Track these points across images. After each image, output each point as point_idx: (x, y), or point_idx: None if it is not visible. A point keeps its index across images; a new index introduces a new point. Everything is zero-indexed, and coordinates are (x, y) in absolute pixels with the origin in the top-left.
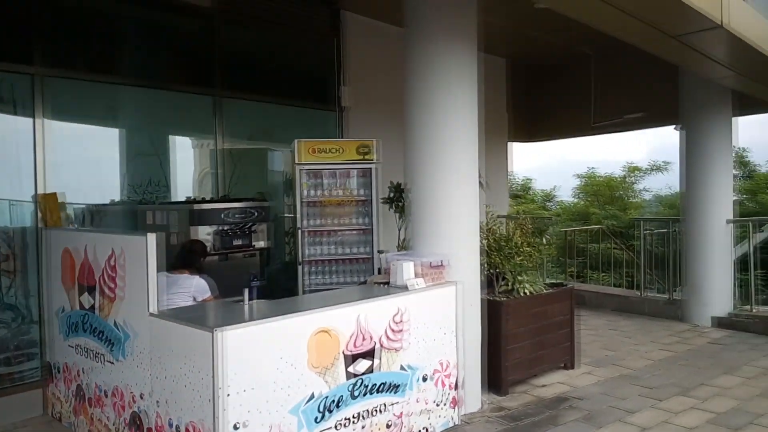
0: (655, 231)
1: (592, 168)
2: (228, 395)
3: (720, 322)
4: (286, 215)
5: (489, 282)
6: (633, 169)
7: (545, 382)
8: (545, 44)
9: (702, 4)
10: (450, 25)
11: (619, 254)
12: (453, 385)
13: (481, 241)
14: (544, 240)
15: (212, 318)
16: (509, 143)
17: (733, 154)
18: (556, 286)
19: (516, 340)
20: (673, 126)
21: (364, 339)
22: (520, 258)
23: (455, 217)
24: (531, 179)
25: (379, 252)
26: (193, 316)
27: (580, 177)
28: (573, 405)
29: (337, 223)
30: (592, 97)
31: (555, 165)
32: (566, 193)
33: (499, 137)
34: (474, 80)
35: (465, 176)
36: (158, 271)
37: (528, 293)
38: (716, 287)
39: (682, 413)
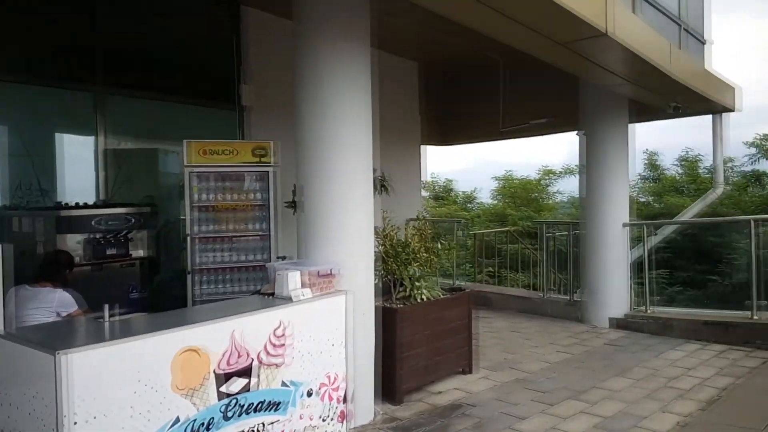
0: (557, 234)
1: (510, 171)
2: (75, 423)
3: (617, 323)
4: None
5: (387, 289)
6: (547, 172)
7: (442, 389)
8: (455, 49)
9: (585, 12)
10: (341, 23)
11: (533, 255)
12: (342, 399)
13: (377, 248)
14: (439, 245)
15: (63, 338)
16: (423, 146)
17: (645, 158)
18: (455, 290)
19: (412, 347)
20: (575, 132)
21: (239, 356)
22: (417, 264)
23: (348, 223)
24: (452, 181)
25: (279, 258)
26: (43, 335)
27: (498, 179)
28: (466, 412)
29: (233, 229)
30: (500, 102)
31: (481, 167)
32: (487, 194)
33: (412, 140)
34: (367, 81)
35: (359, 180)
36: (15, 284)
37: (425, 299)
38: (613, 289)
39: (570, 418)
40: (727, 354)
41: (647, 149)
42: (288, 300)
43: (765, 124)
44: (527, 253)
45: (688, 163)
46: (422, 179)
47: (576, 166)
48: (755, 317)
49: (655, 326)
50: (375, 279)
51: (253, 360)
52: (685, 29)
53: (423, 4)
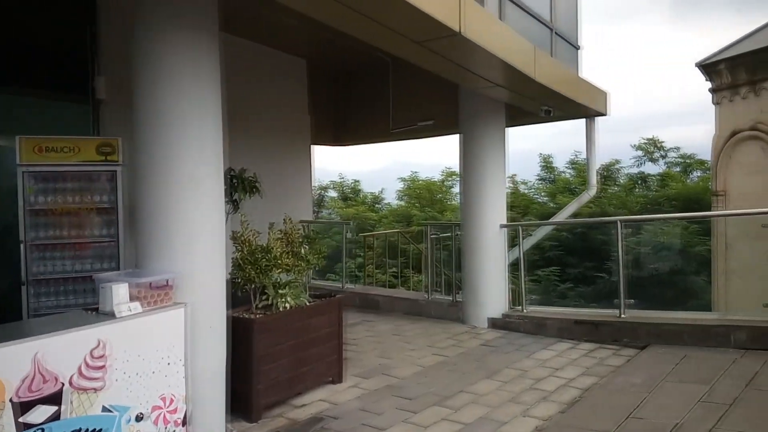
0: (442, 235)
1: (416, 172)
2: None
3: (494, 323)
4: None
5: (249, 298)
6: (450, 174)
7: (307, 401)
8: (344, 48)
9: (433, 10)
10: (182, 11)
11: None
12: (180, 421)
13: (234, 254)
14: (303, 251)
15: None
16: (313, 146)
17: (541, 161)
18: (325, 297)
19: (272, 359)
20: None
21: (45, 381)
22: (280, 270)
23: (193, 229)
24: (360, 181)
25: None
26: None
27: (403, 180)
28: (326, 426)
29: (75, 235)
30: (390, 103)
31: (394, 167)
32: (393, 195)
33: (301, 139)
34: (215, 76)
35: (205, 182)
36: None
37: (289, 307)
38: (491, 289)
39: (431, 426)
40: (596, 353)
41: (541, 153)
42: (111, 316)
43: (651, 128)
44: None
45: (578, 165)
46: (314, 179)
47: None
48: (623, 316)
49: (530, 326)
50: (237, 288)
51: (63, 385)
52: (557, 33)
53: None
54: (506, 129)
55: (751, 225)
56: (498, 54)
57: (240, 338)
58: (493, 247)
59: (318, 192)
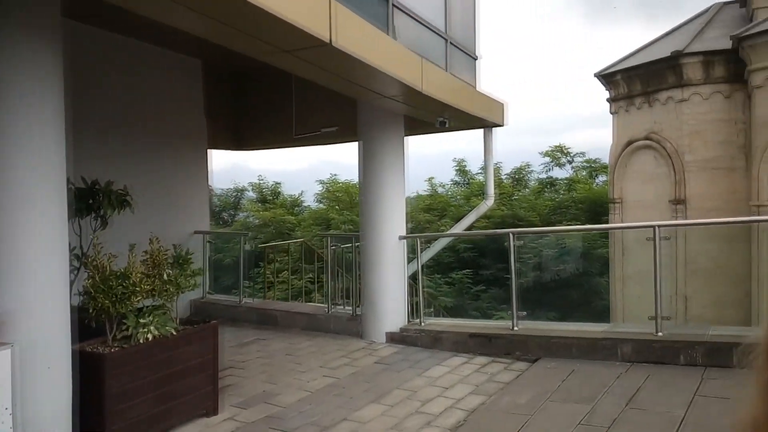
0: (342, 246)
1: (335, 174)
2: None
3: (392, 338)
4: None
5: (103, 329)
6: None
7: None
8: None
9: (298, 18)
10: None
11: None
12: None
13: (86, 281)
14: (165, 275)
15: None
16: (210, 150)
17: (455, 165)
18: (198, 322)
19: (130, 397)
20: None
21: None
22: (139, 297)
23: (26, 256)
24: (280, 184)
25: None
26: None
27: (322, 183)
28: None
29: None
30: (293, 108)
31: (319, 168)
32: (312, 198)
33: (196, 144)
34: (56, 76)
35: (42, 202)
36: None
37: (152, 338)
38: (390, 302)
39: None
40: (488, 368)
41: (456, 157)
42: None
43: (563, 132)
44: (350, 257)
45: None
46: (211, 185)
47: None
48: (516, 328)
49: (427, 340)
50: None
51: None
52: (452, 44)
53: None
54: (410, 137)
55: (643, 233)
56: (378, 66)
57: (90, 376)
58: (392, 259)
59: (234, 194)
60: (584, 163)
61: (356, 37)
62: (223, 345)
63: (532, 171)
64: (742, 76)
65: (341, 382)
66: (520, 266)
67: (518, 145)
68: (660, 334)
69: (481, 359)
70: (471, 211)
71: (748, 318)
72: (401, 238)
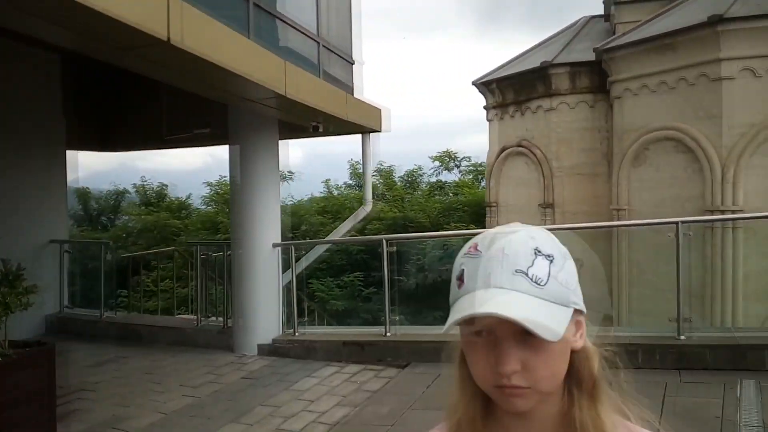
0: (214, 255)
1: (224, 176)
2: None
3: (265, 350)
4: None
5: None
6: None
7: None
8: None
9: (130, 15)
10: None
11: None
12: None
13: None
14: None
15: None
16: (70, 151)
17: (349, 167)
18: (32, 346)
19: None
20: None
21: None
22: None
23: None
24: (166, 186)
25: None
26: None
27: (210, 185)
28: None
29: None
30: (163, 107)
31: (217, 166)
32: (199, 200)
33: (51, 145)
34: None
35: None
36: None
37: None
38: (262, 313)
39: None
40: (359, 376)
41: (351, 159)
42: None
43: (452, 136)
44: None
45: (384, 173)
46: (87, 187)
47: (289, 172)
48: (388, 334)
49: (300, 350)
50: None
51: None
52: (326, 47)
53: None
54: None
55: None
56: (231, 67)
57: None
58: (265, 268)
59: (114, 197)
60: (470, 167)
61: (204, 37)
62: (75, 365)
63: (423, 174)
64: (605, 86)
65: (201, 402)
66: (410, 268)
67: (412, 149)
68: None
69: (353, 367)
70: (349, 217)
71: (610, 316)
72: (275, 245)
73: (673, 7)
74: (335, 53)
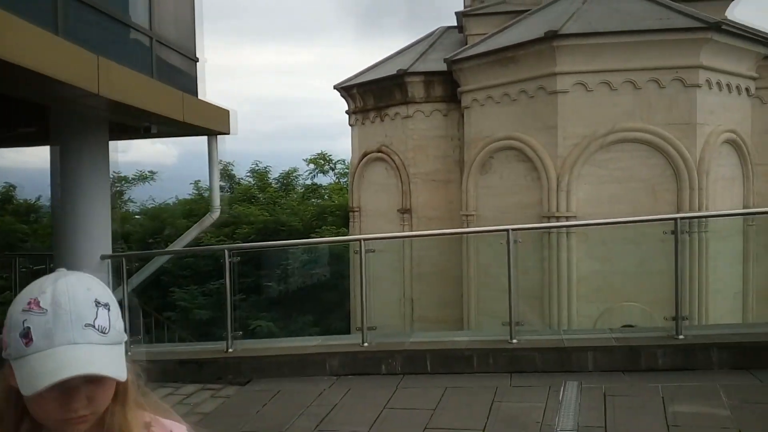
0: (35, 268)
1: None
2: None
3: None
4: None
5: None
6: (120, 179)
7: None
8: None
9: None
10: None
11: None
12: None
13: None
14: None
15: None
16: None
17: (220, 168)
18: None
19: None
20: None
21: None
22: None
23: None
24: (14, 187)
25: None
26: None
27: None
28: None
29: None
30: None
31: None
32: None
33: None
34: None
35: None
36: None
37: None
38: None
39: None
40: (194, 397)
41: (222, 160)
42: None
43: (331, 138)
44: None
45: (259, 174)
46: None
47: (150, 172)
48: (230, 350)
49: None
50: None
51: None
52: (160, 42)
53: None
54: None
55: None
56: (30, 65)
57: None
58: None
59: None
60: (345, 170)
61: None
62: None
63: (299, 176)
64: (457, 96)
65: None
66: (279, 273)
67: (287, 150)
68: (366, 344)
69: (190, 388)
70: (195, 224)
71: (463, 316)
72: (104, 257)
73: (518, 21)
74: (175, 50)
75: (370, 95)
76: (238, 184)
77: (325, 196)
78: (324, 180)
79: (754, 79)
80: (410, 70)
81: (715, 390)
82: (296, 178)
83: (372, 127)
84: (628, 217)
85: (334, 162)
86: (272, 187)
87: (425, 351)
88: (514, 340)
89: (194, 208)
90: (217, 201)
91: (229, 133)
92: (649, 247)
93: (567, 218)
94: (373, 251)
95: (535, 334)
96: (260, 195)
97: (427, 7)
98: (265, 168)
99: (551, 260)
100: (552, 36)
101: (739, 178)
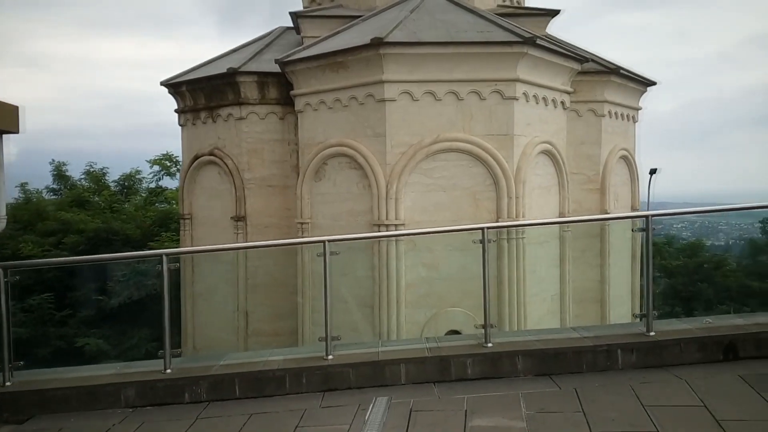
0: None
1: None
2: None
3: None
4: None
5: None
6: None
7: None
8: None
9: None
10: None
11: None
12: None
13: None
14: None
15: None
16: None
17: (53, 169)
18: None
19: None
20: None
21: None
22: None
23: None
24: None
25: None
26: None
27: None
28: None
29: None
30: None
31: None
32: None
33: None
34: None
35: None
36: None
37: None
38: None
39: None
40: None
41: (54, 159)
42: None
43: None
44: None
45: (94, 176)
46: None
47: None
48: (7, 384)
49: None
50: None
51: None
52: None
53: None
54: None
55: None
56: None
57: None
58: None
59: None
60: None
61: None
62: None
63: (143, 179)
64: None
65: None
66: (113, 285)
67: (137, 149)
68: (168, 370)
69: None
70: None
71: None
72: None
73: (351, 26)
74: None
75: (200, 94)
76: (74, 186)
77: (174, 201)
78: (172, 183)
79: (569, 93)
80: (242, 69)
81: (517, 399)
82: (139, 180)
83: (204, 128)
84: (451, 224)
85: (180, 163)
86: (109, 190)
87: (234, 374)
88: (330, 357)
89: (18, 213)
90: (2, 210)
91: (18, 132)
92: (470, 254)
93: (396, 226)
94: (178, 265)
95: (353, 347)
96: (97, 199)
97: (291, 4)
98: (102, 169)
99: (381, 268)
100: (378, 43)
101: (555, 186)
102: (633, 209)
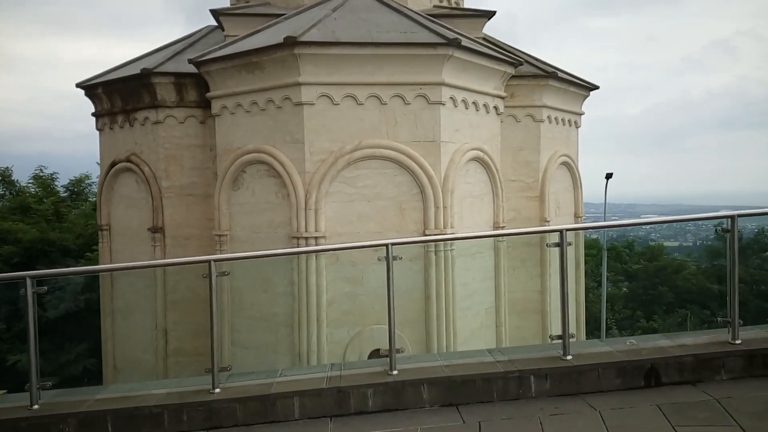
0: None
1: None
2: None
3: None
4: None
5: None
6: None
7: None
8: None
9: None
10: None
11: None
12: None
13: None
14: None
15: None
16: None
17: None
18: None
19: None
20: None
21: None
22: None
23: None
24: None
25: None
26: None
27: None
28: None
29: None
30: None
31: None
32: None
33: None
34: None
35: None
36: None
37: None
38: None
39: None
40: None
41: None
42: None
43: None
44: None
45: (42, 180)
46: None
47: None
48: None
49: None
50: None
51: None
52: None
53: None
54: None
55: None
56: None
57: None
58: None
59: None
60: None
61: None
62: None
63: (92, 183)
64: None
65: None
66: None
67: (84, 153)
68: (36, 406)
69: None
70: None
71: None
72: None
73: (270, 25)
74: None
75: (117, 96)
76: (21, 192)
77: None
78: None
79: (502, 97)
80: (157, 69)
81: None
82: (89, 185)
83: (121, 133)
84: (376, 236)
85: None
86: (57, 196)
87: (107, 411)
88: (217, 390)
89: None
90: None
91: None
92: (395, 267)
93: (316, 239)
94: (45, 288)
95: (246, 378)
96: (41, 206)
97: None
98: (51, 174)
99: (300, 284)
100: (293, 43)
101: (488, 195)
102: (576, 216)
